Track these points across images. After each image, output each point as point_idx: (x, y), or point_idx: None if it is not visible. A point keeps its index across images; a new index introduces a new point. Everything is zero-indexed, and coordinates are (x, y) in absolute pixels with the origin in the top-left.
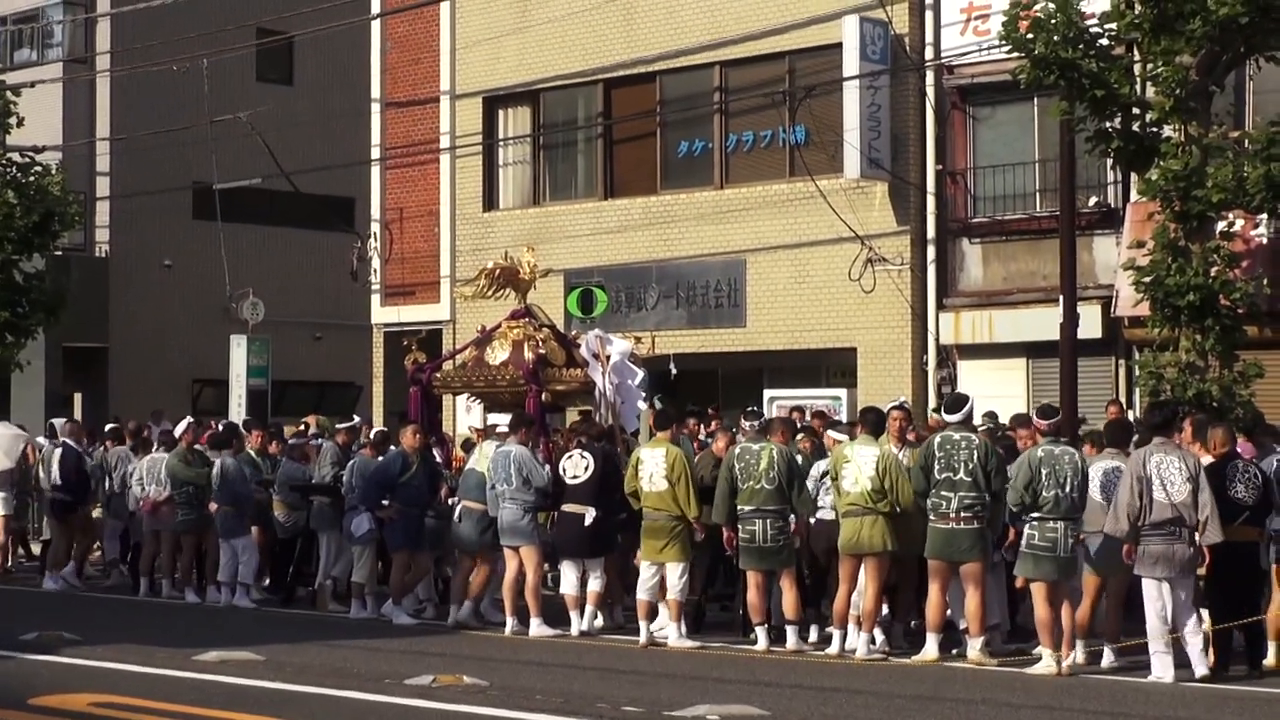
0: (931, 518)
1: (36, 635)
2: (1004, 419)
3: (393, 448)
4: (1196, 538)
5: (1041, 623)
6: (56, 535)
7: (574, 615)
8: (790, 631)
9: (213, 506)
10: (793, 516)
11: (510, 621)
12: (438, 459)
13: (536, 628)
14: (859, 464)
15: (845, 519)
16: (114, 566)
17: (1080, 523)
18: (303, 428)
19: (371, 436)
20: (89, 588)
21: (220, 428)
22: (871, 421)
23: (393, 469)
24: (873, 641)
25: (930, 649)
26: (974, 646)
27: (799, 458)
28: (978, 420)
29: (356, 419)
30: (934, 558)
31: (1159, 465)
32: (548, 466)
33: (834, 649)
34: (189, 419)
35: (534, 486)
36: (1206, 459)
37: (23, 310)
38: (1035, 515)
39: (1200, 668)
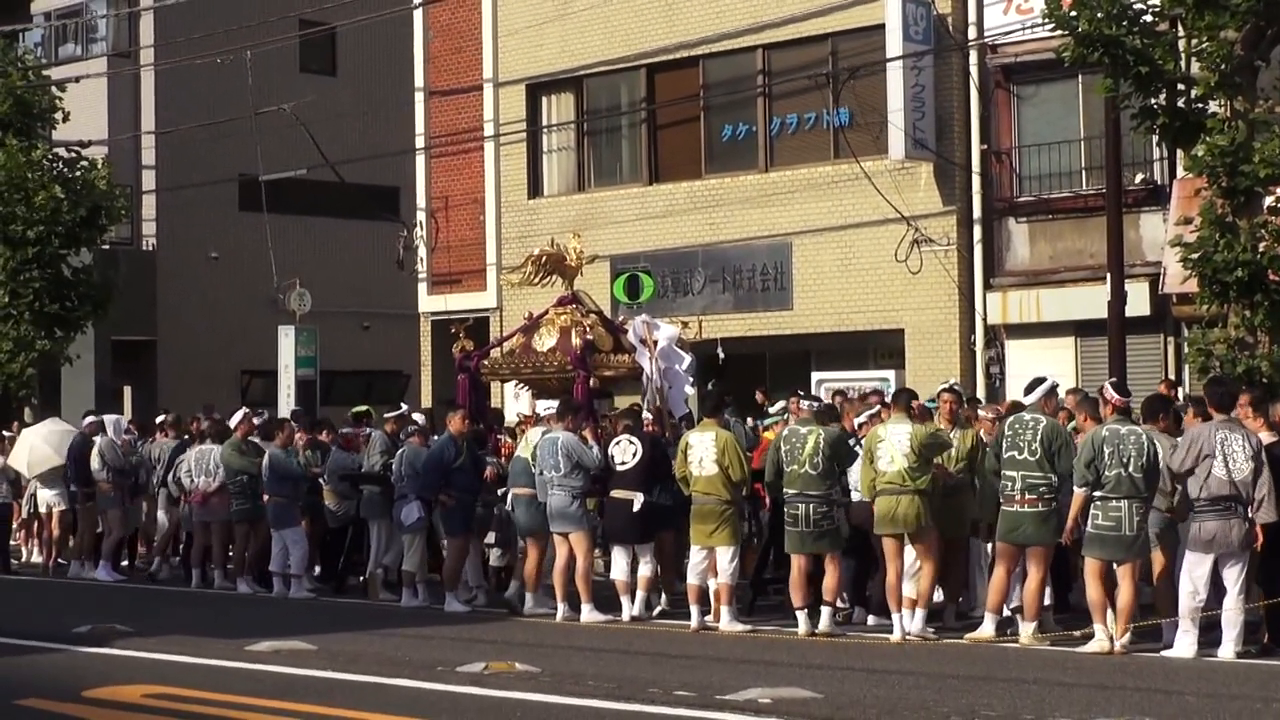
0: (1000, 499)
1: (90, 628)
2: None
3: (434, 438)
4: (1251, 514)
5: (1094, 602)
6: (83, 526)
7: (625, 600)
8: (824, 613)
9: (265, 496)
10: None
11: (561, 607)
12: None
13: (587, 613)
14: (893, 443)
15: (879, 497)
16: (164, 559)
17: (1147, 502)
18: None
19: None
20: (140, 580)
21: (254, 421)
22: (904, 402)
23: (448, 455)
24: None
25: (987, 627)
26: (1026, 629)
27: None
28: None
29: (404, 407)
30: (1001, 540)
31: (1223, 441)
32: (596, 448)
33: (896, 634)
34: (244, 409)
35: (585, 470)
36: (1266, 435)
37: (71, 304)
38: (1099, 495)
39: (1234, 646)
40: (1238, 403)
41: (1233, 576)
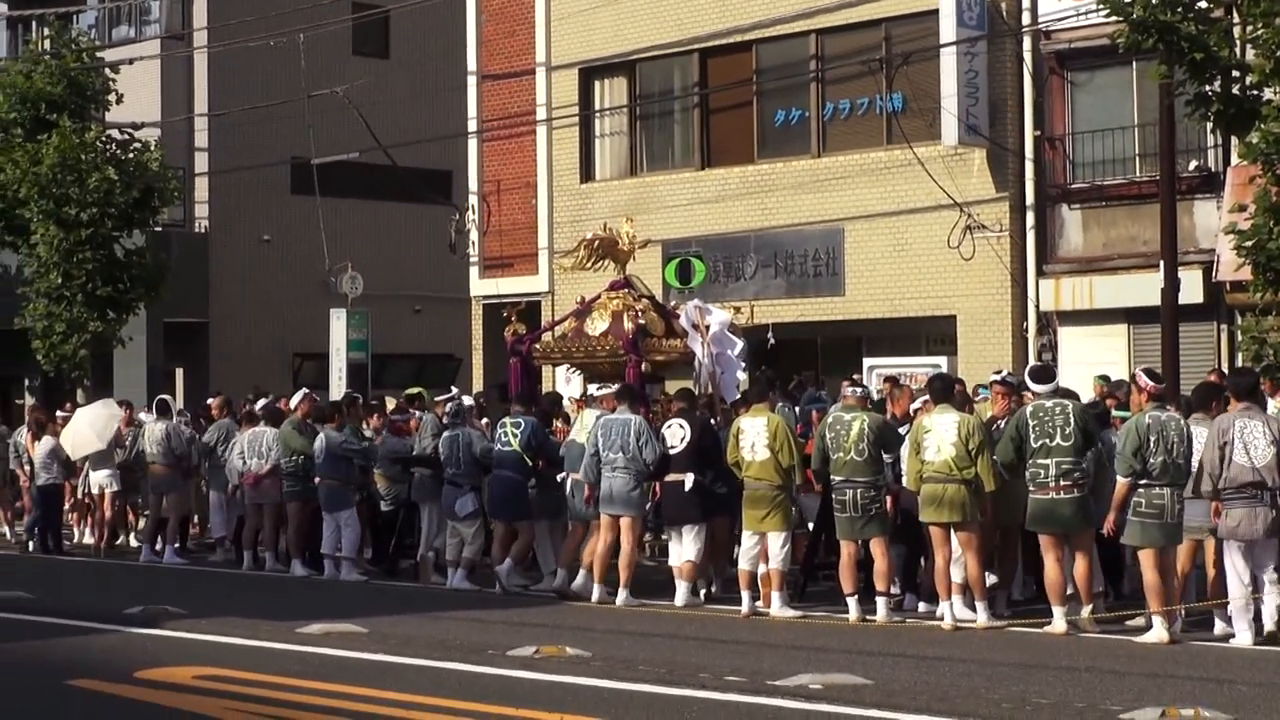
0: (1031, 489)
1: (141, 609)
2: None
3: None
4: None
5: (1151, 589)
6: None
7: (682, 584)
8: (880, 603)
9: (315, 479)
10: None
11: (597, 589)
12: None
13: (624, 598)
14: (940, 433)
15: (925, 486)
16: (220, 543)
17: (1184, 488)
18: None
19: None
20: (194, 562)
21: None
22: (938, 389)
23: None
24: (974, 609)
25: (1058, 622)
26: (1084, 612)
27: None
28: (1088, 385)
29: (454, 390)
30: (1039, 530)
31: (1242, 429)
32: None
33: (947, 622)
34: (305, 390)
35: (646, 460)
36: None
37: (124, 286)
38: (1143, 481)
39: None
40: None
41: (1264, 563)
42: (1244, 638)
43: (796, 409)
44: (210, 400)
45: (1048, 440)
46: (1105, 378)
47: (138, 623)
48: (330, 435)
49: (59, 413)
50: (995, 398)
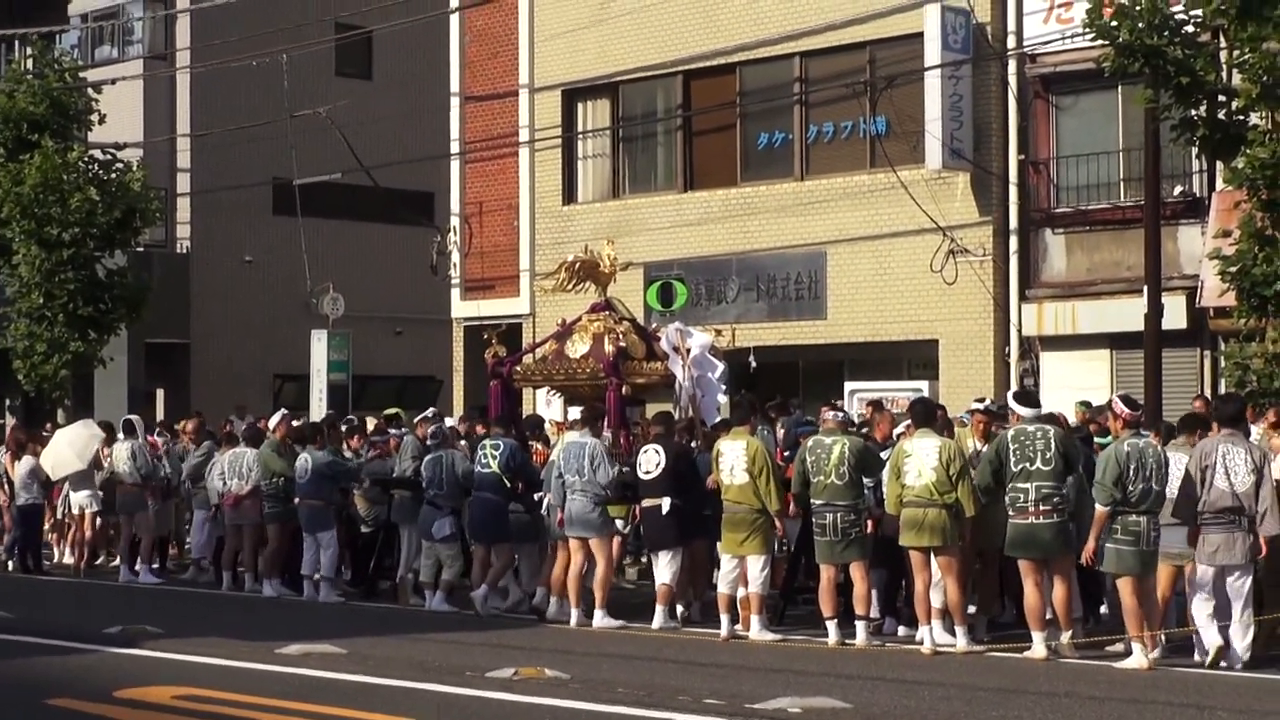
0: (1010, 513)
1: (120, 629)
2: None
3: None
4: (1257, 528)
5: (1130, 615)
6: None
7: (661, 608)
8: (860, 626)
9: (295, 500)
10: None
11: (575, 613)
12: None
13: (600, 619)
14: (921, 457)
15: (905, 510)
16: (196, 564)
17: (1159, 515)
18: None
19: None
20: (170, 582)
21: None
22: (920, 413)
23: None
24: (953, 633)
25: (1038, 647)
26: (1063, 637)
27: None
28: (1070, 411)
29: (430, 411)
30: (1018, 555)
31: (1225, 455)
32: (618, 467)
33: (926, 646)
34: (284, 411)
35: (600, 483)
36: None
37: (105, 306)
38: (1121, 508)
39: (1244, 657)
40: (1265, 418)
41: (1238, 589)
42: (1208, 646)
43: (779, 431)
44: (185, 424)
45: (1028, 464)
46: (1087, 403)
47: (117, 642)
48: (315, 455)
49: (42, 432)
50: (976, 425)
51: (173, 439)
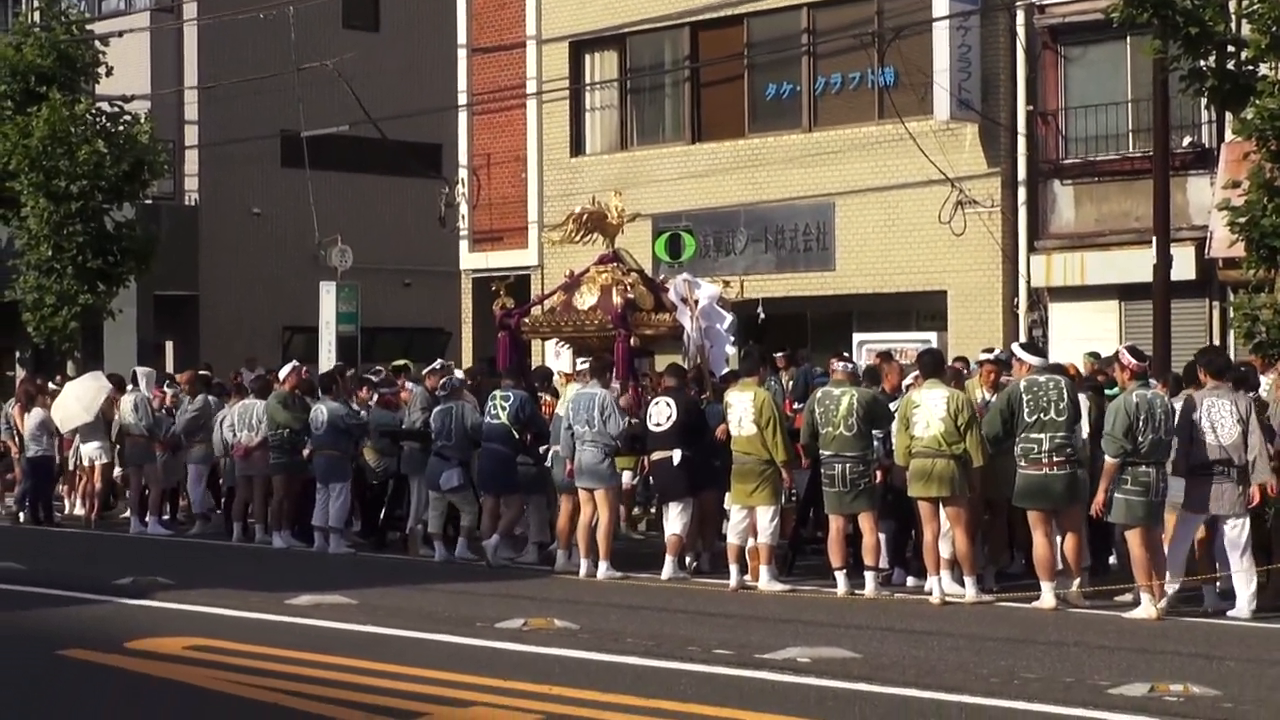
0: (1022, 464)
1: (131, 580)
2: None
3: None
4: (1250, 477)
5: (1139, 565)
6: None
7: (669, 558)
8: (868, 577)
9: (305, 451)
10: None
11: (584, 563)
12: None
13: (604, 570)
14: (929, 408)
15: (914, 460)
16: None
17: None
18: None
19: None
20: (181, 534)
21: (304, 375)
22: (928, 364)
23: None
24: (962, 584)
25: (1047, 597)
26: (1073, 586)
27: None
28: (1079, 361)
29: (439, 363)
30: (1030, 505)
31: (1210, 408)
32: (628, 418)
33: (935, 597)
34: (294, 363)
35: (610, 433)
36: None
37: (114, 259)
38: (1130, 459)
39: (1249, 606)
40: (1276, 368)
41: (1234, 539)
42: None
43: (786, 382)
44: (180, 376)
45: (1042, 415)
46: (1095, 354)
47: (128, 593)
48: (331, 406)
49: (50, 385)
50: (985, 375)
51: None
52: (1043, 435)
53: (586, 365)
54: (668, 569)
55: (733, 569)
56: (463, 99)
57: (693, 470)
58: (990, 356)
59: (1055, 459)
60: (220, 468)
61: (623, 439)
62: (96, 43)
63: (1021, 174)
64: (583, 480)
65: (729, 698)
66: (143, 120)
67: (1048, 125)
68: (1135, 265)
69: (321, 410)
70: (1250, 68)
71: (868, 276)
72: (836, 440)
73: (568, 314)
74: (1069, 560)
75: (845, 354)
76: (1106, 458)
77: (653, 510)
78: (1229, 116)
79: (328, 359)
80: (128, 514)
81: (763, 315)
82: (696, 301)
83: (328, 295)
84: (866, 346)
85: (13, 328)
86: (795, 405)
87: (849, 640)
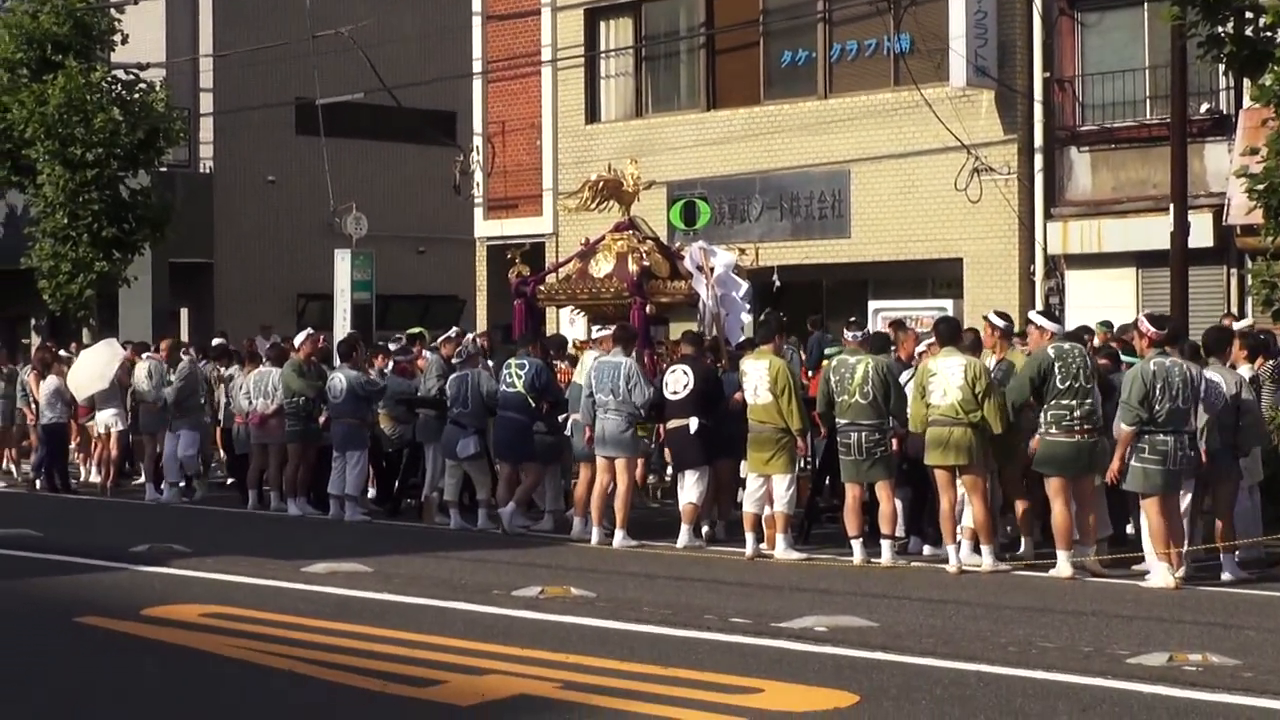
0: (1053, 431)
1: (148, 547)
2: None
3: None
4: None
5: (1156, 534)
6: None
7: (685, 526)
8: (885, 546)
9: (321, 419)
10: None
11: (596, 531)
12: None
13: (620, 539)
14: (946, 376)
15: (931, 428)
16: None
17: (1188, 434)
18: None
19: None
20: (196, 501)
21: (319, 343)
22: (944, 332)
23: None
24: (979, 552)
25: (1064, 566)
26: (1090, 554)
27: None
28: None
29: (454, 331)
30: (1057, 473)
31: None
32: (653, 387)
33: (952, 565)
34: (309, 330)
35: (636, 403)
36: None
37: (129, 226)
38: (1147, 427)
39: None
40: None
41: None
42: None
43: (803, 351)
44: (215, 342)
45: (1073, 382)
46: (1108, 323)
47: (144, 561)
48: (349, 374)
49: (62, 352)
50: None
51: (200, 359)
52: (1074, 402)
53: (604, 333)
54: (683, 537)
55: (749, 537)
56: (478, 66)
57: (709, 438)
58: (1002, 324)
59: (1085, 426)
60: (234, 434)
61: (647, 408)
62: (112, 10)
63: (1038, 141)
64: (605, 449)
65: (747, 666)
66: (158, 88)
67: (1064, 92)
68: (1152, 232)
69: (340, 378)
70: (1269, 34)
71: (883, 244)
72: (852, 408)
73: (583, 281)
74: (1089, 528)
75: (854, 319)
76: (1122, 425)
77: (668, 479)
78: (1247, 83)
79: (343, 326)
80: (141, 481)
81: (778, 283)
82: (712, 269)
83: (342, 262)
84: (882, 314)
85: (28, 295)
86: (810, 373)
87: (865, 609)
